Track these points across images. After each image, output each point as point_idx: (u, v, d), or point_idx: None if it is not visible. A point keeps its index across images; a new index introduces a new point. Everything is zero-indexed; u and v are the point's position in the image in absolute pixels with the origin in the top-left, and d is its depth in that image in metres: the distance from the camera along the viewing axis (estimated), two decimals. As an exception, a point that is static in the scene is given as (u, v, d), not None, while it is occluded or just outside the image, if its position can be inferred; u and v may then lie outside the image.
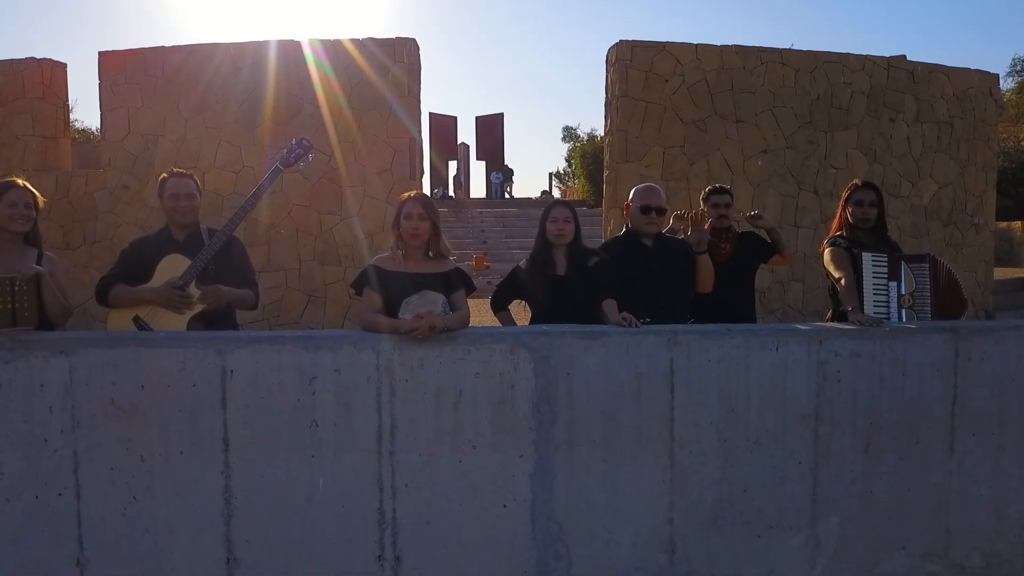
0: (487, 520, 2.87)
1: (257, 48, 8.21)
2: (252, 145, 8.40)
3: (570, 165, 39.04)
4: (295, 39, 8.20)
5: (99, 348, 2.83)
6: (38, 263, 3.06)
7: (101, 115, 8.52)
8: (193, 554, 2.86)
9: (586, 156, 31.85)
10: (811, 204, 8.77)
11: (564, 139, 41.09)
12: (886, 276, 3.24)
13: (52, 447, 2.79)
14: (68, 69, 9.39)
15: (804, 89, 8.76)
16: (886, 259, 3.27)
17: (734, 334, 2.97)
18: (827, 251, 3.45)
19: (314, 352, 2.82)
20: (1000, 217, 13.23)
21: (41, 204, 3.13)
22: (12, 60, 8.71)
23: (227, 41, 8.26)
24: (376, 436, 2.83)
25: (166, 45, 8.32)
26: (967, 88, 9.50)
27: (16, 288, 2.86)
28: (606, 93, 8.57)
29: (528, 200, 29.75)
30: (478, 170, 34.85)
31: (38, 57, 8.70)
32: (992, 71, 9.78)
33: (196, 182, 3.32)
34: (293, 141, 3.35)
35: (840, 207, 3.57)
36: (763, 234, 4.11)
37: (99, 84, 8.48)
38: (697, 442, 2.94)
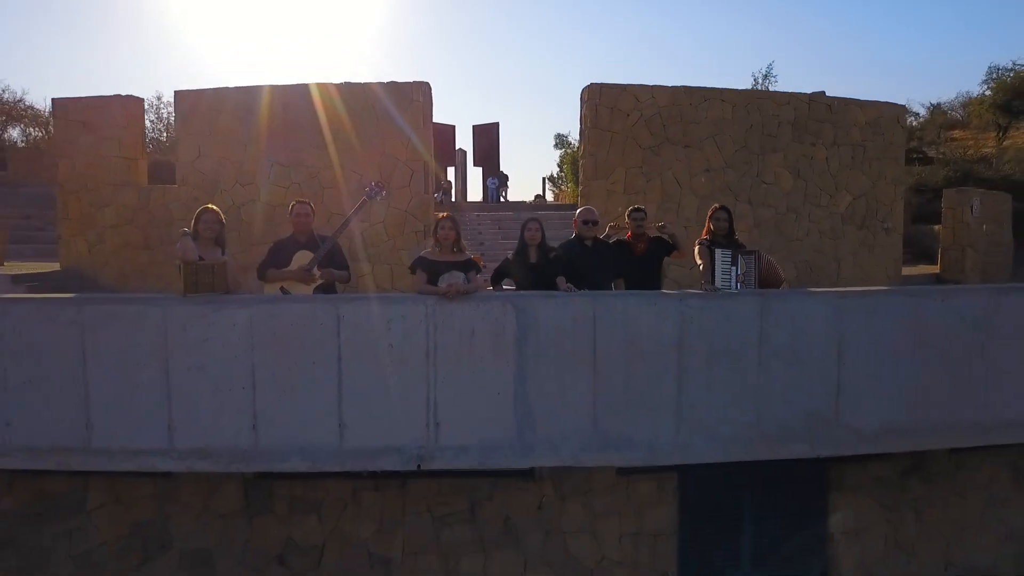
0: (489, 402, 5.00)
1: (301, 89, 10.31)
2: (298, 165, 10.50)
3: (561, 170, 41.20)
4: (333, 82, 10.31)
5: (266, 304, 4.96)
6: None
7: (177, 140, 10.59)
8: (320, 424, 4.97)
9: (576, 162, 33.83)
10: (746, 212, 10.90)
11: (556, 146, 43.23)
12: (729, 263, 5.37)
13: (239, 360, 4.91)
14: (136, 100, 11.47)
15: (740, 120, 10.90)
16: (730, 253, 5.39)
17: (631, 296, 5.11)
18: (696, 248, 5.58)
19: (389, 305, 4.95)
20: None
21: (223, 220, 5.24)
22: (102, 96, 10.78)
23: (276, 84, 10.35)
24: (424, 353, 4.94)
25: (228, 86, 10.42)
26: (877, 117, 11.64)
27: (215, 270, 4.98)
28: (580, 124, 10.70)
29: (522, 203, 31.69)
30: (475, 175, 36.87)
31: (122, 94, 10.78)
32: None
33: (311, 206, 5.43)
34: (373, 183, 5.49)
35: (707, 220, 5.71)
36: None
37: (175, 116, 10.53)
38: (610, 361, 5.06)
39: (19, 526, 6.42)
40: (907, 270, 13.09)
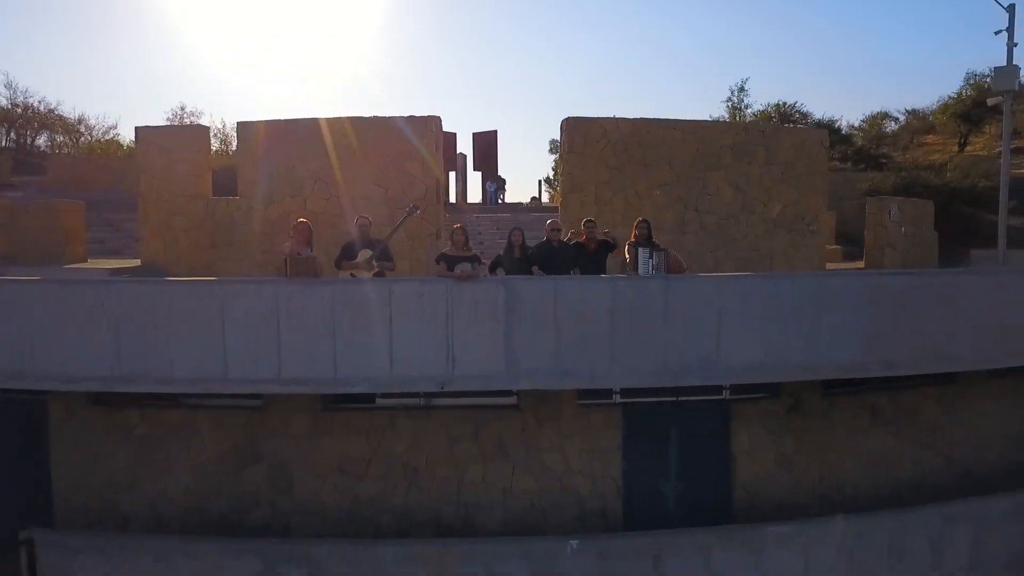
0: (488, 348, 7.66)
1: (341, 122, 12.97)
2: (336, 182, 13.16)
3: (556, 174, 43.97)
4: (364, 116, 12.97)
5: (341, 284, 7.64)
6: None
7: (239, 161, 13.25)
8: (377, 362, 7.62)
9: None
10: (693, 219, 13.55)
11: (551, 151, 46.15)
12: (647, 257, 8.03)
13: (324, 321, 7.56)
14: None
15: (689, 145, 13.56)
16: (648, 250, 8.05)
17: (581, 279, 7.78)
18: (626, 247, 8.25)
19: (422, 284, 7.63)
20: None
21: (311, 228, 7.90)
22: (177, 125, 13.44)
23: (321, 116, 13.02)
24: (445, 316, 7.60)
25: (279, 119, 13.10)
26: (803, 140, 14.31)
27: (307, 261, 7.65)
28: (560, 148, 13.35)
29: (519, 205, 34.27)
30: (475, 179, 39.49)
31: (193, 124, 13.42)
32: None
33: (369, 220, 8.09)
34: (411, 204, 8.19)
35: (634, 229, 8.38)
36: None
37: (237, 141, 13.16)
38: (566, 322, 7.71)
39: (151, 446, 9.11)
40: (834, 265, 15.75)
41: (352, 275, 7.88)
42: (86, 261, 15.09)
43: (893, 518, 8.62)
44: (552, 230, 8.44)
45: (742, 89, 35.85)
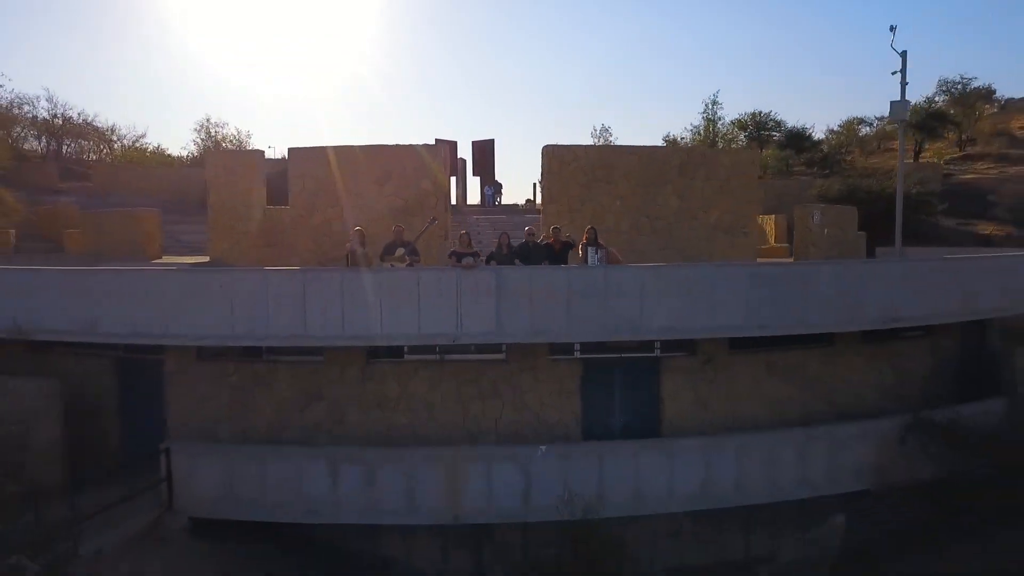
0: (483, 315, 11.31)
1: (370, 148, 16.59)
2: (368, 195, 16.78)
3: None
4: (389, 144, 16.60)
5: (385, 272, 11.32)
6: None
7: (290, 179, 16.91)
8: (409, 324, 11.27)
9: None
10: (645, 224, 17.19)
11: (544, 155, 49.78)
12: (594, 253, 11.67)
13: (373, 296, 11.21)
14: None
15: (644, 165, 17.18)
16: (595, 248, 11.69)
17: (548, 268, 11.44)
18: (580, 246, 11.87)
19: (440, 272, 11.32)
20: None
21: (364, 233, 11.52)
22: (239, 150, 17.05)
23: (354, 144, 16.63)
24: (455, 294, 11.25)
25: (324, 146, 16.70)
26: (738, 160, 17.94)
27: (361, 257, 11.31)
28: (541, 170, 16.99)
29: (515, 206, 37.96)
30: (474, 183, 43.13)
31: (250, 149, 17.04)
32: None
33: (402, 228, 11.71)
34: (432, 217, 11.81)
35: (584, 234, 12.01)
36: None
37: (289, 165, 16.81)
38: (538, 297, 11.36)
39: (241, 389, 12.74)
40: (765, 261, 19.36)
41: (392, 265, 11.50)
42: (161, 257, 18.71)
43: (769, 436, 12.27)
44: (529, 235, 12.12)
45: (715, 102, 39.46)
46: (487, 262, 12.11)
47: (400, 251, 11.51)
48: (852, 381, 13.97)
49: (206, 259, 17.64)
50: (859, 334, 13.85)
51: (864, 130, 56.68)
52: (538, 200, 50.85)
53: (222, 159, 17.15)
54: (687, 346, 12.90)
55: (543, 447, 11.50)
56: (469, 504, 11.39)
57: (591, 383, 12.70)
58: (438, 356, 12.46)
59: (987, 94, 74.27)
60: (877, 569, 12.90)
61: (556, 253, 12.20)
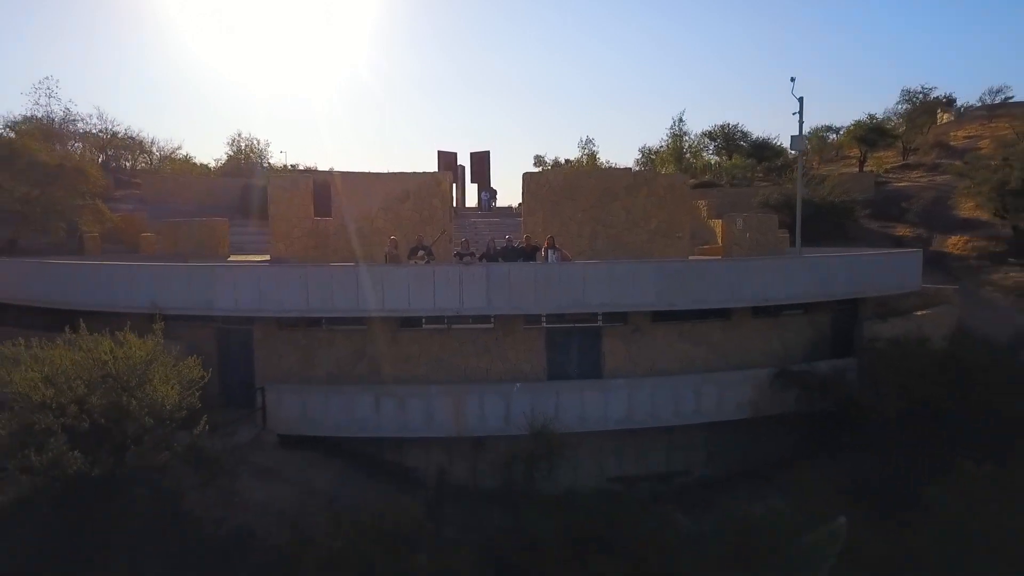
0: (478, 297, 16.80)
1: (393, 176, 22.02)
2: (393, 209, 22.23)
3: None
4: (409, 172, 22.02)
5: (411, 268, 16.84)
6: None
7: (333, 198, 22.36)
8: (428, 302, 16.77)
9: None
10: (601, 232, 22.66)
11: (535, 164, 55.42)
12: (554, 254, 17.17)
13: (404, 284, 16.72)
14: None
15: (599, 185, 22.65)
16: (553, 250, 17.19)
17: (522, 264, 16.98)
18: (543, 249, 17.35)
19: (448, 268, 16.82)
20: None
21: (397, 240, 17.00)
22: (293, 171, 22.46)
23: (379, 172, 22.03)
24: (459, 282, 16.74)
25: (365, 172, 22.08)
26: (673, 182, 23.41)
27: (396, 257, 16.82)
28: (522, 190, 22.46)
29: (508, 209, 43.53)
30: (472, 188, 48.61)
31: (300, 170, 22.47)
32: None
33: (422, 236, 17.18)
34: (443, 230, 17.27)
35: (546, 240, 17.50)
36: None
37: (332, 188, 22.31)
38: (516, 285, 16.86)
39: (308, 350, 18.23)
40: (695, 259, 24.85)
41: (415, 263, 16.96)
42: (229, 257, 24.13)
43: (675, 379, 17.79)
44: (508, 240, 17.60)
45: (681, 120, 44.92)
46: (480, 259, 17.57)
47: (421, 252, 16.99)
48: (745, 346, 19.46)
49: (267, 257, 23.10)
50: (750, 310, 19.33)
51: (832, 136, 61.99)
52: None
53: (280, 182, 22.59)
54: (621, 318, 18.38)
55: (518, 384, 17.00)
56: (468, 423, 16.88)
57: (552, 343, 18.18)
58: (446, 325, 17.93)
59: (948, 103, 79.96)
60: (761, 477, 18.43)
61: (528, 253, 17.69)
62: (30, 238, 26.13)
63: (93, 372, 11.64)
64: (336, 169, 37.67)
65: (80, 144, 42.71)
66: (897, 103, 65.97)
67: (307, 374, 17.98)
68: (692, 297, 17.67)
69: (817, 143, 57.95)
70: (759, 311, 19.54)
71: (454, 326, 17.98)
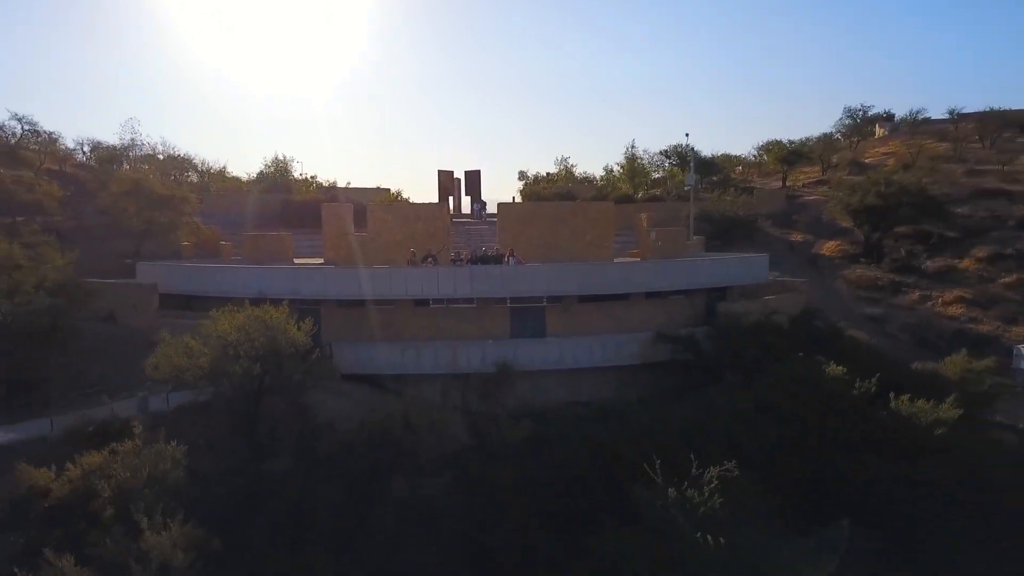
0: (465, 286, 27.06)
1: (412, 205, 32.09)
2: (409, 227, 32.41)
3: (521, 195, 63.68)
4: (423, 203, 32.06)
5: (424, 269, 27.19)
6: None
7: (368, 220, 32.48)
8: (433, 290, 27.04)
9: (529, 191, 56.46)
10: (553, 245, 32.78)
11: (519, 178, 65.90)
12: (514, 261, 27.41)
13: (419, 280, 27.01)
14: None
15: (552, 214, 32.83)
16: (514, 258, 27.42)
17: (495, 267, 27.30)
18: (507, 257, 27.58)
19: (447, 268, 27.10)
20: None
21: (415, 251, 27.25)
22: (338, 204, 32.59)
23: (406, 201, 32.10)
24: (453, 278, 26.97)
25: (390, 203, 32.11)
26: (601, 208, 33.56)
27: (415, 262, 27.14)
28: (497, 215, 32.52)
29: (495, 216, 53.85)
30: (466, 200, 58.90)
31: (342, 203, 32.59)
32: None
33: (432, 247, 27.42)
34: (445, 244, 27.48)
35: (508, 252, 27.74)
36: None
37: (368, 213, 32.36)
38: (490, 278, 27.10)
39: (355, 322, 28.56)
40: (619, 259, 35.10)
41: (426, 265, 27.17)
42: (294, 259, 34.31)
43: (589, 338, 28.04)
44: (484, 251, 27.85)
45: (633, 147, 55.20)
46: (468, 263, 27.74)
47: (429, 259, 27.19)
48: (638, 317, 29.70)
49: (321, 260, 33.26)
50: (643, 295, 29.58)
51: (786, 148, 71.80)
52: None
53: (331, 208, 32.72)
54: (557, 299, 28.56)
55: (491, 340, 27.24)
56: (459, 365, 27.02)
57: (514, 315, 28.38)
58: (445, 305, 28.11)
59: (888, 118, 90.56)
60: (650, 410, 28.69)
61: (498, 259, 27.92)
62: (149, 248, 36.34)
63: (259, 325, 21.75)
64: (350, 183, 48.24)
65: (146, 166, 52.96)
66: (839, 119, 76.29)
67: (357, 335, 28.16)
68: (604, 286, 27.93)
69: (760, 159, 68.16)
70: (652, 294, 29.81)
71: (450, 305, 28.20)
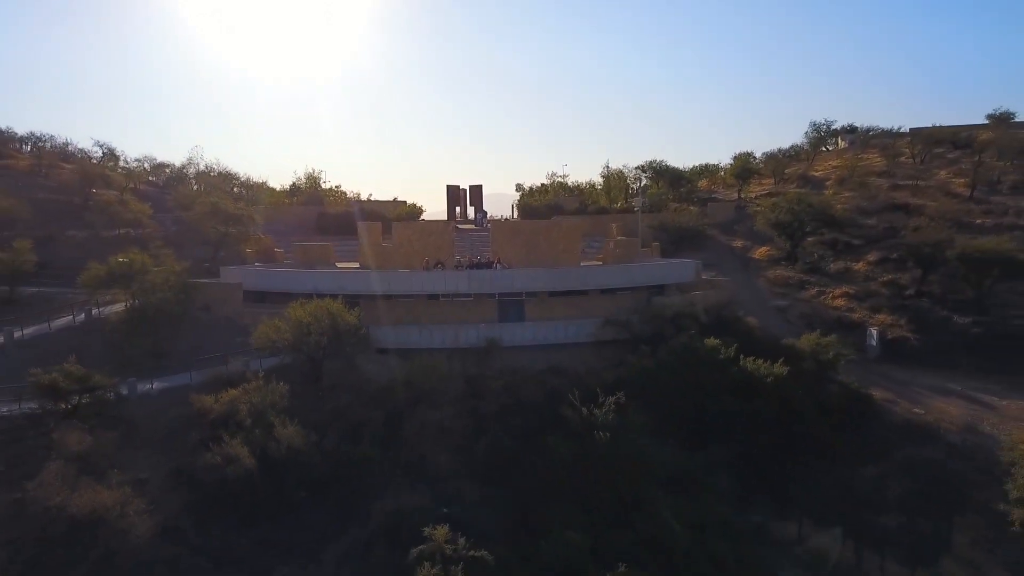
0: (464, 284, 37.55)
1: (428, 223, 42.44)
2: (425, 240, 42.85)
3: (517, 205, 74.07)
4: (434, 220, 42.39)
5: (436, 272, 37.77)
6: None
7: (393, 235, 42.86)
8: (439, 288, 37.57)
9: (523, 202, 67.03)
10: (534, 254, 43.03)
11: (516, 190, 76.31)
12: (501, 265, 37.84)
13: (432, 282, 37.55)
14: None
15: (532, 229, 43.13)
16: (500, 264, 37.84)
17: (485, 271, 37.85)
18: (496, 263, 38.01)
19: (451, 272, 37.64)
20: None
21: (430, 261, 37.75)
22: (369, 224, 43.08)
23: (425, 220, 42.48)
24: (456, 278, 37.46)
25: (414, 222, 42.46)
26: (570, 223, 43.82)
27: (430, 267, 37.74)
28: (491, 230, 42.71)
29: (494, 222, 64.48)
30: (470, 210, 69.54)
31: (372, 223, 43.05)
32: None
33: (440, 258, 37.88)
34: (451, 252, 37.90)
35: (497, 259, 38.17)
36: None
37: (394, 229, 42.70)
38: (483, 279, 37.57)
39: (389, 307, 39.23)
40: (587, 263, 45.39)
41: (438, 269, 37.59)
42: (335, 263, 44.82)
43: (557, 322, 38.43)
44: (480, 257, 38.26)
45: (608, 166, 65.43)
46: (467, 267, 38.16)
47: (438, 265, 37.63)
48: (594, 307, 40.03)
49: (357, 264, 43.75)
50: (598, 290, 39.94)
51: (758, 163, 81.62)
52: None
53: (364, 224, 43.18)
54: (534, 294, 38.94)
55: (483, 324, 37.65)
56: (460, 341, 37.24)
57: (500, 305, 38.79)
58: (451, 299, 38.57)
59: (851, 130, 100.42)
60: (591, 371, 39.11)
61: (489, 265, 38.35)
62: (222, 256, 47.00)
63: (324, 312, 32.22)
64: (370, 196, 58.98)
65: (200, 186, 63.73)
66: (806, 132, 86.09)
67: (387, 320, 38.67)
68: (565, 285, 38.32)
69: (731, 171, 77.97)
70: (606, 291, 40.17)
71: (453, 298, 38.65)
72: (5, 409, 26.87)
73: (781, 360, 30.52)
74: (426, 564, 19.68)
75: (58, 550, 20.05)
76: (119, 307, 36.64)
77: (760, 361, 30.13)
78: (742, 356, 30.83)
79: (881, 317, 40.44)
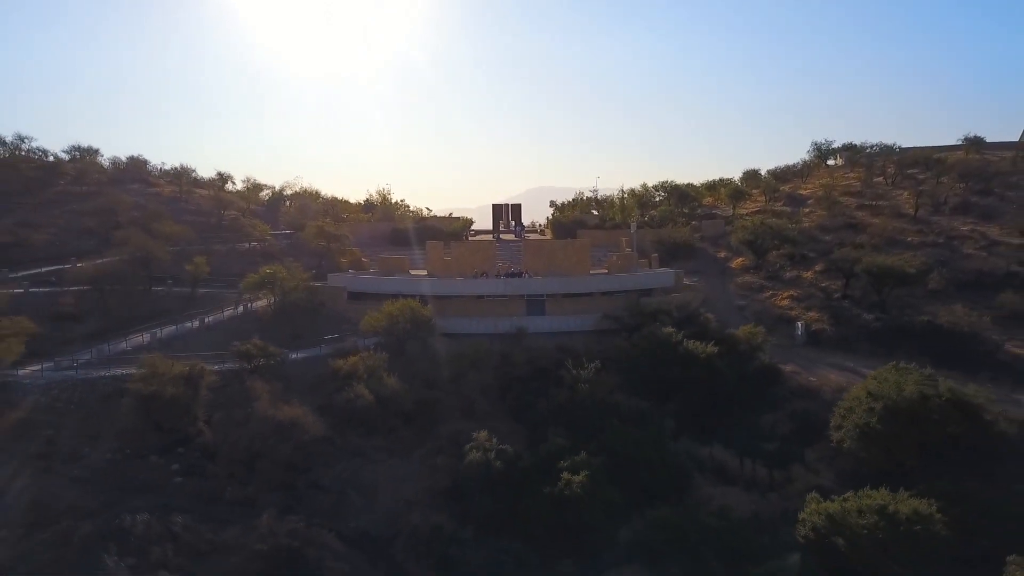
0: (501, 288, 52.83)
1: (477, 243, 57.77)
2: (476, 255, 58.20)
3: (550, 219, 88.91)
4: (486, 241, 57.62)
5: (481, 279, 53.33)
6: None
7: (451, 246, 58.30)
8: (488, 290, 53.01)
9: (555, 217, 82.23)
10: (554, 264, 57.95)
11: (550, 205, 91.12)
12: (528, 275, 53.04)
13: (466, 285, 53.01)
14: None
15: (554, 247, 57.97)
16: (528, 273, 53.05)
17: (518, 279, 53.22)
18: (524, 272, 53.20)
19: (493, 278, 53.05)
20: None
21: (476, 268, 53.22)
22: (434, 243, 58.66)
23: (473, 240, 57.76)
24: (496, 283, 52.78)
25: (466, 240, 57.76)
26: (580, 242, 58.57)
27: (477, 274, 53.27)
28: (523, 248, 57.78)
29: (531, 231, 79.74)
30: (509, 224, 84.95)
31: (437, 242, 58.62)
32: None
33: (484, 268, 53.23)
34: (494, 263, 53.24)
35: (525, 269, 53.38)
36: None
37: (450, 243, 58.05)
38: (516, 284, 52.76)
39: (442, 304, 54.96)
40: (596, 271, 60.08)
41: (483, 277, 52.90)
42: (409, 273, 60.60)
43: (569, 316, 53.40)
44: (514, 268, 53.50)
45: (622, 190, 79.84)
46: (504, 276, 53.34)
47: (483, 274, 52.91)
48: (597, 305, 54.77)
49: (425, 272, 59.41)
50: (600, 293, 54.74)
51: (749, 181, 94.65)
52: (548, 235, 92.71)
53: (431, 242, 58.71)
54: (552, 296, 53.91)
55: (514, 317, 52.78)
56: (498, 329, 52.12)
57: (528, 303, 53.84)
58: (492, 298, 53.82)
59: (849, 148, 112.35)
60: (588, 350, 53.99)
61: (520, 274, 53.54)
62: (324, 264, 63.31)
63: (406, 308, 47.88)
64: (432, 211, 75.27)
65: (290, 203, 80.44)
66: (808, 151, 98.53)
67: (447, 313, 54.12)
68: (575, 289, 53.26)
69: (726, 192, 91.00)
70: (605, 293, 54.96)
71: (495, 298, 53.90)
72: (216, 366, 43.37)
73: (712, 342, 44.92)
74: (473, 451, 35.06)
75: (270, 440, 36.06)
76: (262, 303, 53.16)
77: (698, 343, 44.64)
78: (686, 340, 45.38)
79: (812, 314, 54.00)
